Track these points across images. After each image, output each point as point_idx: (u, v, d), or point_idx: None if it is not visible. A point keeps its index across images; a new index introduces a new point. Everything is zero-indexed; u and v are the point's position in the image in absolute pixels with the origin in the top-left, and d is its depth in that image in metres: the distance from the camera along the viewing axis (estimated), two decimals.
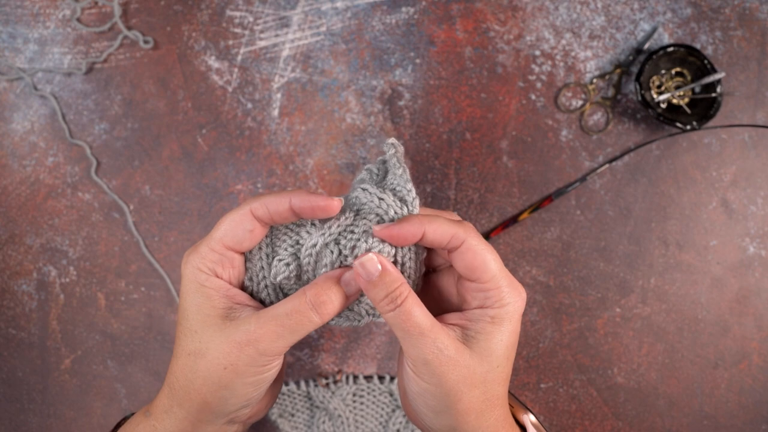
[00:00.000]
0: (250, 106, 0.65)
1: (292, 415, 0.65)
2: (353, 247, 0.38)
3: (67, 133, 0.65)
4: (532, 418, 0.42)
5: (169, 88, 0.65)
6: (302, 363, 0.65)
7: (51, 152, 0.65)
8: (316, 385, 0.64)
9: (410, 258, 0.39)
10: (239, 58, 0.65)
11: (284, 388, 0.64)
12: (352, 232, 0.38)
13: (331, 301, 0.37)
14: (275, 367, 0.38)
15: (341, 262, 0.38)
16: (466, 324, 0.38)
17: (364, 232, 0.38)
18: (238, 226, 0.38)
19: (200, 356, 0.37)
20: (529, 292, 0.65)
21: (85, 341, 0.65)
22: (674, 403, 0.64)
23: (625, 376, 0.64)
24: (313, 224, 0.40)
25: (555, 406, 0.65)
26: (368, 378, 0.65)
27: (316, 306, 0.37)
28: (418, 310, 0.36)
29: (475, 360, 0.37)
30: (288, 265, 0.39)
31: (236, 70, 0.65)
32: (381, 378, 0.65)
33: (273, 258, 0.40)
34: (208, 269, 0.38)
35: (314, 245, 0.38)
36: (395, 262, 0.39)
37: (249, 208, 0.38)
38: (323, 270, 0.39)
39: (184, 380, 0.37)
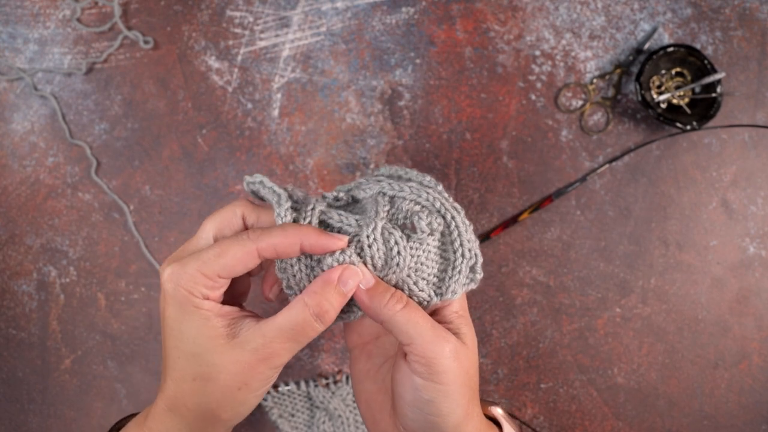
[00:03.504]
0: (250, 106, 0.65)
1: (292, 416, 0.65)
2: (410, 215, 0.39)
3: (67, 134, 0.65)
4: (500, 410, 0.43)
5: (169, 88, 0.65)
6: (302, 363, 0.65)
7: (51, 152, 0.65)
8: (316, 385, 0.64)
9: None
10: (239, 58, 0.65)
11: (284, 388, 0.64)
12: (400, 209, 0.39)
13: (333, 307, 0.37)
14: (280, 371, 0.39)
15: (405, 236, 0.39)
16: (444, 325, 0.40)
17: (416, 203, 0.40)
18: (239, 264, 0.36)
19: (209, 380, 0.36)
20: (529, 292, 0.65)
21: (85, 341, 0.65)
22: (674, 403, 0.64)
23: (625, 376, 0.64)
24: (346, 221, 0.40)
25: (555, 406, 0.65)
26: None
27: (320, 316, 0.37)
28: (420, 309, 0.38)
29: (469, 352, 0.39)
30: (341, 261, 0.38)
31: (236, 70, 0.65)
32: None
33: (311, 263, 0.38)
34: (200, 294, 0.36)
35: (374, 229, 0.38)
36: None
37: (255, 247, 0.36)
38: (396, 255, 0.38)
39: (193, 404, 0.37)
